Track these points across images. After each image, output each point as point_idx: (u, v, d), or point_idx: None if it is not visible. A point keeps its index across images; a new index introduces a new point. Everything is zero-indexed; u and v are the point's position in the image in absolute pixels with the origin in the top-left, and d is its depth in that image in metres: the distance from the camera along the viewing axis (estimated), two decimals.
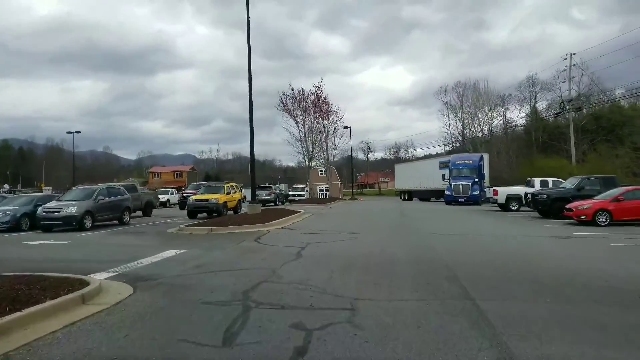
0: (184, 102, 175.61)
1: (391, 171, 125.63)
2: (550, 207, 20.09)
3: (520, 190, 26.00)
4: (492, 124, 77.45)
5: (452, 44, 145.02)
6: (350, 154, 76.26)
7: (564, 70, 49.55)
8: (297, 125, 43.26)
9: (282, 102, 43.23)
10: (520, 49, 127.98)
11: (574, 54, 48.58)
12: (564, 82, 50.94)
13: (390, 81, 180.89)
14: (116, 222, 19.66)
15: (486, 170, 38.01)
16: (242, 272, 8.46)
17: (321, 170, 69.17)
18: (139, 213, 25.60)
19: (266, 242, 12.85)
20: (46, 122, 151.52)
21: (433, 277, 7.74)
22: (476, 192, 33.85)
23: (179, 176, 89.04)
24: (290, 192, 55.36)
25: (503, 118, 75.99)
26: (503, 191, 25.99)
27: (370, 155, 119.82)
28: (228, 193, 24.71)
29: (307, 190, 48.90)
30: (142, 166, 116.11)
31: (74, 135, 62.09)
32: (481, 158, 37.11)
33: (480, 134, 77.43)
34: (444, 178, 36.92)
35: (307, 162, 45.21)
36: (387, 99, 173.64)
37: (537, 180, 25.85)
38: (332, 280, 7.56)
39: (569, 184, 21.10)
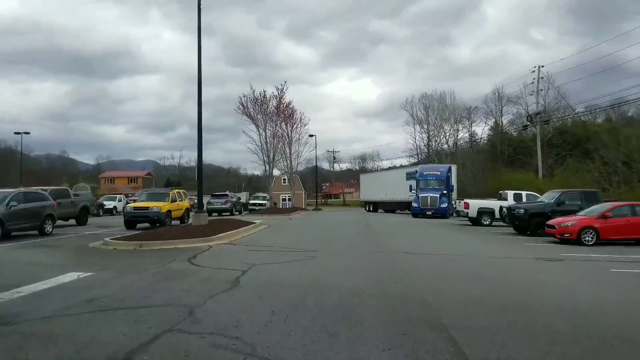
0: (148, 107, 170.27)
1: (356, 182, 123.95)
2: (528, 223, 18.45)
3: (492, 203, 24.41)
4: (457, 136, 77.25)
5: (418, 59, 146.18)
6: (315, 163, 74.38)
7: (532, 83, 49.14)
8: (258, 130, 40.37)
9: (242, 105, 40.49)
10: (483, 65, 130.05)
11: (542, 66, 48.26)
12: (531, 94, 50.51)
13: (357, 93, 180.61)
14: (36, 232, 16.80)
15: (454, 182, 36.56)
16: (148, 311, 6.10)
17: (284, 179, 66.74)
18: (73, 221, 22.71)
19: (201, 262, 10.45)
20: (2, 124, 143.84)
21: (411, 322, 5.59)
22: (444, 205, 32.25)
23: (134, 182, 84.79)
24: (251, 201, 52.87)
25: (469, 130, 75.79)
26: (474, 204, 24.33)
27: (336, 165, 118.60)
28: (174, 201, 22.09)
29: (268, 199, 46.21)
30: (101, 171, 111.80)
31: (23, 137, 58.23)
32: (449, 169, 35.64)
33: (445, 146, 77.01)
34: (411, 189, 35.21)
35: (268, 170, 42.32)
36: (354, 111, 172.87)
37: (510, 194, 24.31)
38: (270, 328, 5.30)
39: (548, 198, 19.54)
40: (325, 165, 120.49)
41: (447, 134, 77.31)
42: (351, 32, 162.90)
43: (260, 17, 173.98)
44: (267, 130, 40.29)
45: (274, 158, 41.00)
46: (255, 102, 39.87)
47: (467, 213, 24.20)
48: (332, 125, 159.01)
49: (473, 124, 74.34)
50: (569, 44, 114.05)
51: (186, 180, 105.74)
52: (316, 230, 21.14)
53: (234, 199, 37.20)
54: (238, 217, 33.71)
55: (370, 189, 50.05)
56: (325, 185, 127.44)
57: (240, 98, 40.63)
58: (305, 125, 50.63)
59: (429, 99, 77.74)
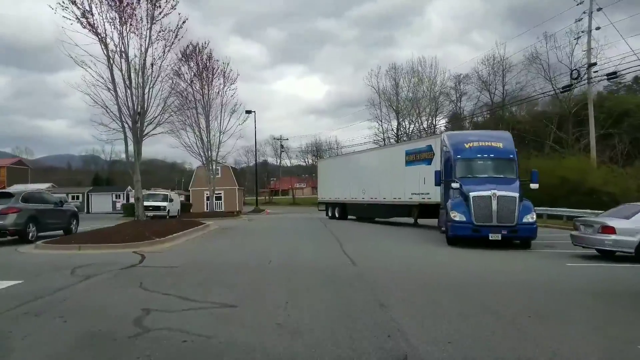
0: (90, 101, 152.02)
1: (308, 176, 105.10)
2: None
3: None
4: (436, 117, 60.12)
5: (363, 59, 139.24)
6: (254, 146, 55.41)
7: (580, 20, 32.07)
8: (108, 55, 18.42)
9: (72, 2, 18.27)
10: (425, 65, 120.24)
11: None
12: (576, 38, 33.59)
13: (305, 90, 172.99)
14: None
15: None
16: None
17: (215, 170, 45.91)
18: None
19: None
20: None
21: None
22: (531, 216, 13.95)
23: None
24: (146, 203, 33.24)
25: (456, 106, 58.83)
26: None
27: (286, 162, 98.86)
28: None
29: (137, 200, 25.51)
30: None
31: None
32: (511, 141, 17.30)
33: (423, 126, 59.69)
34: (439, 180, 16.83)
35: (130, 139, 19.65)
36: (303, 108, 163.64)
37: None
38: None
39: None
40: (271, 161, 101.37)
41: (424, 111, 60.13)
42: (298, 31, 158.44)
43: (206, 14, 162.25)
44: (128, 58, 19.05)
45: (144, 112, 19.24)
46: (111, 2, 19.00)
47: None
48: (282, 123, 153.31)
49: (463, 97, 57.49)
50: (507, 46, 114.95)
51: (117, 175, 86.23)
52: None
53: (39, 205, 15.87)
54: (29, 250, 14.13)
55: (336, 182, 31.13)
56: (273, 181, 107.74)
57: None
58: (232, 85, 31.85)
59: (399, 71, 60.48)
